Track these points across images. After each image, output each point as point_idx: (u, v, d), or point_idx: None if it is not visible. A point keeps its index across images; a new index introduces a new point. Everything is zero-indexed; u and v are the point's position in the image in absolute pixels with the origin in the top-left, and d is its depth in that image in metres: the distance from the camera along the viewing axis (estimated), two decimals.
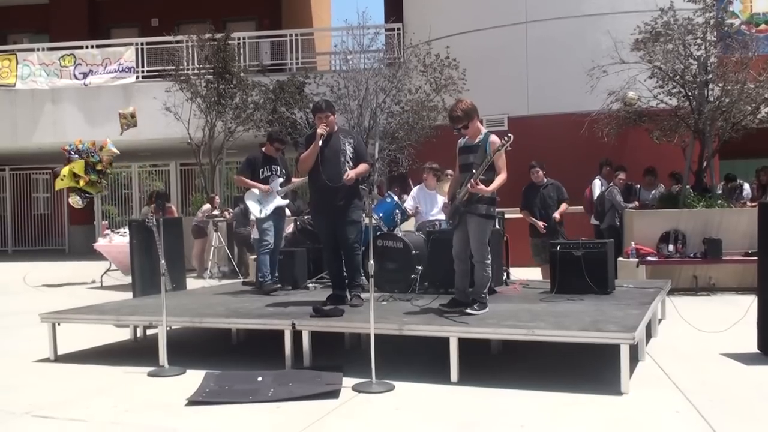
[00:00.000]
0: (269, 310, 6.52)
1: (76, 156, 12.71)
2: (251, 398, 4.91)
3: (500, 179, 5.99)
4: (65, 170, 12.78)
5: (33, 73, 18.78)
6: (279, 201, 8.04)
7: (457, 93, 14.42)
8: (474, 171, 5.89)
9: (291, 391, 5.00)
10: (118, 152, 13.48)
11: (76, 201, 13.08)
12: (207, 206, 14.44)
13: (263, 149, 8.24)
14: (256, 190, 7.96)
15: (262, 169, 8.07)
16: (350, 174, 6.53)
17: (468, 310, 5.89)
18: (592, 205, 11.60)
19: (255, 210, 8.04)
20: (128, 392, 5.29)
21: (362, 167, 6.72)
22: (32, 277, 13.91)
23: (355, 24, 15.54)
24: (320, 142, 6.55)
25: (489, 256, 6.07)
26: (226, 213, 14.35)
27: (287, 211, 8.75)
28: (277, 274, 8.07)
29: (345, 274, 6.89)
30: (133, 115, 13.98)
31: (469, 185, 5.86)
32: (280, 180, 8.08)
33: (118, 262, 12.65)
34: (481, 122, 6.41)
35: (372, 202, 6.51)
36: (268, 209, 7.97)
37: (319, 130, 6.58)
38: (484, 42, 15.31)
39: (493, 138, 6.06)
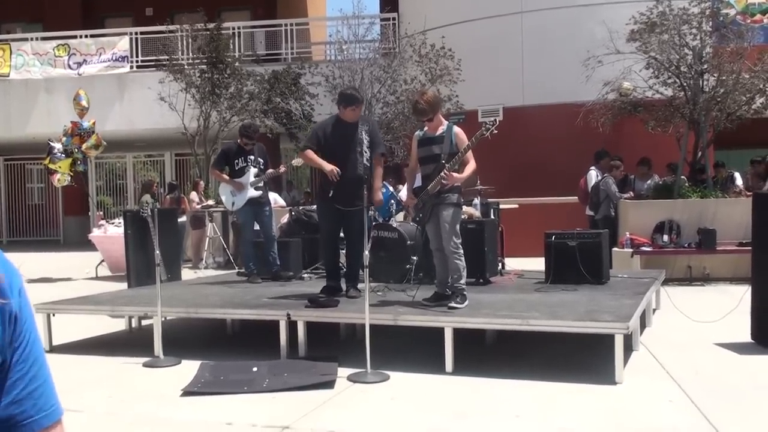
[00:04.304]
0: (264, 301, 6.52)
1: (62, 156, 12.55)
2: (246, 389, 4.92)
3: (471, 168, 5.97)
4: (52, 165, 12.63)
5: (27, 62, 18.69)
6: (252, 192, 8.05)
7: (453, 83, 14.44)
8: (443, 162, 5.86)
9: (286, 382, 5.01)
10: (104, 143, 13.39)
11: (63, 179, 12.85)
12: (193, 194, 14.38)
13: (238, 141, 8.25)
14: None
15: (236, 160, 8.11)
16: (377, 197, 6.56)
17: (452, 304, 5.78)
18: (587, 195, 11.61)
19: (227, 203, 8.24)
20: (123, 383, 5.30)
21: (379, 177, 6.72)
22: (27, 268, 13.86)
23: (350, 14, 15.52)
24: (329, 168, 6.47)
25: (461, 245, 6.03)
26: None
27: (281, 201, 8.78)
28: (278, 264, 8.11)
29: (342, 265, 6.88)
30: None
31: (443, 175, 5.81)
32: (254, 171, 8.08)
33: (108, 255, 12.62)
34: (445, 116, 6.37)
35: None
36: (240, 202, 8.03)
37: (334, 171, 6.39)
38: (480, 32, 15.27)
39: (458, 129, 6.06)
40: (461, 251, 6.00)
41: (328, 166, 6.43)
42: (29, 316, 1.14)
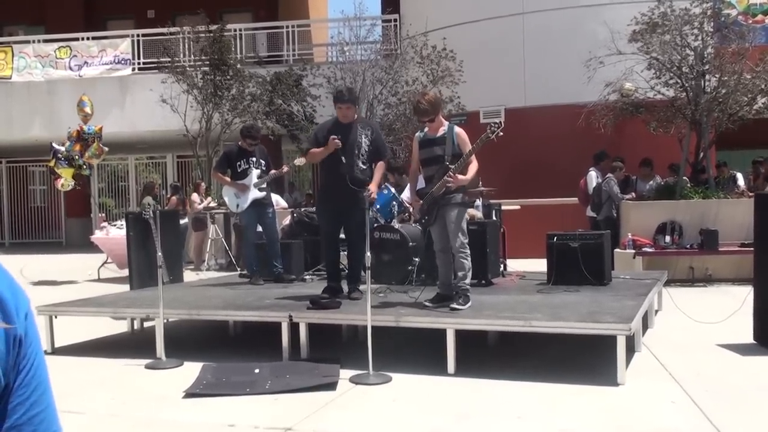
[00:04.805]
0: (266, 302, 6.52)
1: (65, 163, 12.54)
2: (248, 390, 4.92)
3: (474, 168, 5.97)
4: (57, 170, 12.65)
5: (29, 65, 18.72)
6: (256, 194, 8.04)
7: (454, 84, 14.44)
8: (446, 163, 5.86)
9: (288, 383, 5.01)
10: (106, 149, 13.37)
11: (67, 184, 12.85)
12: (194, 195, 14.37)
13: (239, 143, 8.26)
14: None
15: (239, 162, 8.10)
16: (372, 191, 6.41)
17: (455, 305, 5.75)
18: (587, 196, 11.60)
19: (231, 205, 8.22)
20: (126, 384, 5.30)
21: (380, 173, 6.63)
22: (29, 270, 13.89)
23: (352, 15, 15.53)
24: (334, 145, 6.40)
25: (467, 244, 6.02)
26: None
27: (283, 203, 8.78)
28: (281, 266, 8.10)
29: (343, 266, 6.87)
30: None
31: (448, 178, 5.80)
32: (257, 172, 8.09)
33: (113, 255, 12.63)
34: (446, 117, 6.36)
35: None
36: (244, 204, 8.02)
37: (334, 141, 6.37)
38: (481, 33, 15.27)
39: (459, 129, 6.06)
40: (468, 250, 6.00)
41: (325, 148, 6.42)
42: (35, 340, 1.11)
